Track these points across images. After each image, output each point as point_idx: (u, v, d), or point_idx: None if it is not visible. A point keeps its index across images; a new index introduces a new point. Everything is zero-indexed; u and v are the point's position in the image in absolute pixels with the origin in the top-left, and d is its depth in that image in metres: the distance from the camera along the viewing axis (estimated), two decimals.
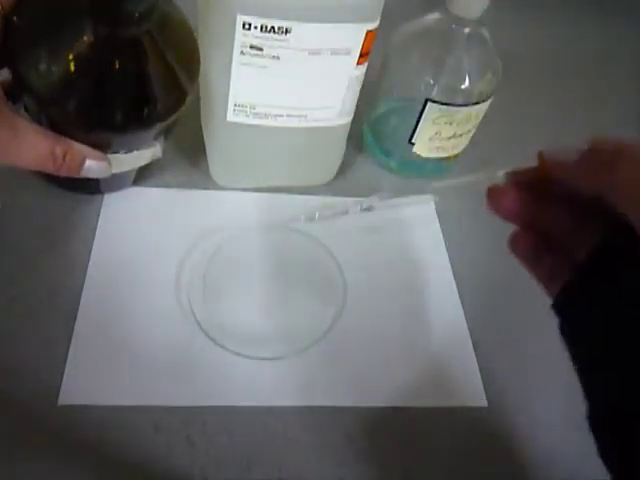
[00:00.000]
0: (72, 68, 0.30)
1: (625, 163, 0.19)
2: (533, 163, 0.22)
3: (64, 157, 0.32)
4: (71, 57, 0.30)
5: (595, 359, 0.20)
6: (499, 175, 0.24)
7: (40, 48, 0.30)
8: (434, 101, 0.43)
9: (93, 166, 0.34)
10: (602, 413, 0.20)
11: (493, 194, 0.23)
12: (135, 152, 0.37)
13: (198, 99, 0.46)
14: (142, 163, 0.39)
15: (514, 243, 0.25)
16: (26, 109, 0.33)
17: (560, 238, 0.23)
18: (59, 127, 0.32)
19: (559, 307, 0.21)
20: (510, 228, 0.25)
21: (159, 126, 0.35)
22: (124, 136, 0.35)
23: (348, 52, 0.37)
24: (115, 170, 0.36)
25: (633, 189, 0.18)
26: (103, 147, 0.34)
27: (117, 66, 0.31)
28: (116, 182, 0.43)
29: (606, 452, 0.20)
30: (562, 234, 0.23)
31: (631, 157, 0.19)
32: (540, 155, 0.22)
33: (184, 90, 0.35)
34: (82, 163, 0.33)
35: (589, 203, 0.21)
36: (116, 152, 0.36)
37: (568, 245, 0.23)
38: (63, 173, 0.33)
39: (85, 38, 0.30)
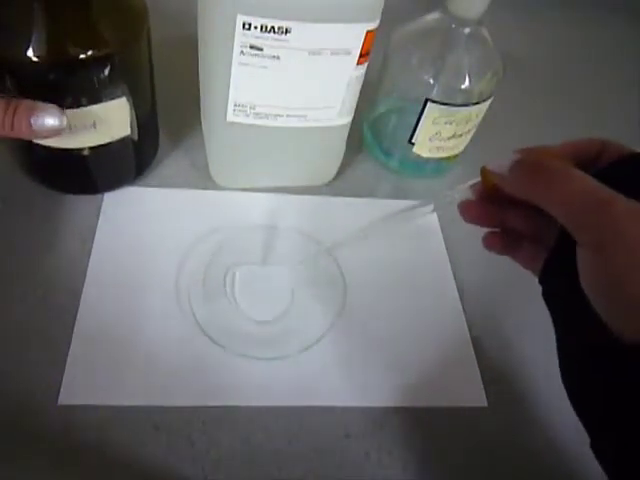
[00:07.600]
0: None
1: (543, 176, 0.22)
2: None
3: (13, 114, 0.31)
4: None
5: (566, 321, 0.23)
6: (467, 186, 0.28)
7: None
8: (434, 101, 0.43)
9: (46, 119, 0.32)
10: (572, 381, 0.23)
11: (461, 206, 0.29)
12: (99, 105, 0.35)
13: (198, 99, 0.46)
14: (119, 131, 0.38)
15: (485, 242, 0.30)
16: None
17: (534, 230, 0.28)
18: (22, 84, 0.33)
19: (541, 280, 0.25)
20: None
21: (105, 65, 0.34)
22: (74, 74, 0.34)
23: (348, 52, 0.37)
24: (78, 130, 0.35)
25: (560, 203, 0.21)
26: (63, 99, 0.34)
27: None
28: (114, 178, 0.42)
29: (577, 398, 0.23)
30: (533, 227, 0.28)
31: (551, 171, 0.22)
32: (482, 170, 0.26)
33: (132, 30, 0.36)
34: (29, 117, 0.32)
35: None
36: (77, 105, 0.35)
37: (543, 234, 0.27)
38: (14, 134, 0.32)
39: None
